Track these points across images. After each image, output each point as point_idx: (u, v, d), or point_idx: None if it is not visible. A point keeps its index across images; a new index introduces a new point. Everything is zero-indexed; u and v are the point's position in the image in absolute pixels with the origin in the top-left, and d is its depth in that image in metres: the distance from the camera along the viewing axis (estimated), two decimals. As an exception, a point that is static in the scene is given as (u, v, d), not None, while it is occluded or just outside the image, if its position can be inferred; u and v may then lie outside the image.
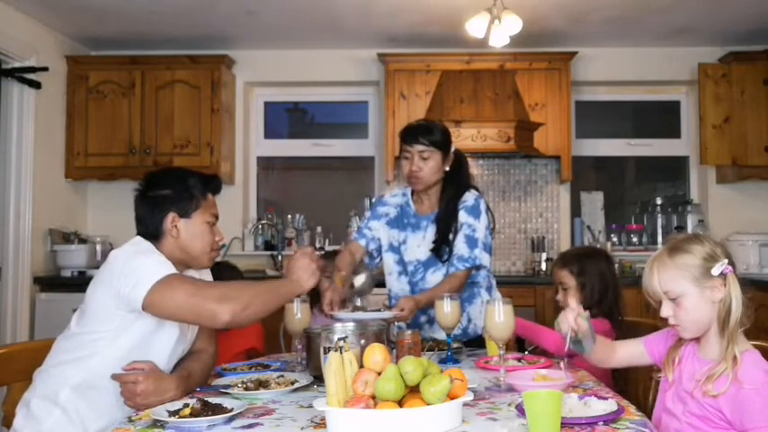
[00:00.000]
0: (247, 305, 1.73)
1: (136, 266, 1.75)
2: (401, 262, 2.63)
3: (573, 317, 1.72)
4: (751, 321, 1.61)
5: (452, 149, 2.60)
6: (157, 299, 1.71)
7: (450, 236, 2.52)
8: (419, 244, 2.59)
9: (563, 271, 2.48)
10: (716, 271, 1.59)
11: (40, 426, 1.76)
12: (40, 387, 1.82)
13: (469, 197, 2.56)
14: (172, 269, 1.78)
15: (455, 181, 2.59)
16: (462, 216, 2.53)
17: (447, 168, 2.57)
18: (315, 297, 2.70)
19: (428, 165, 2.53)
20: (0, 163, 4.15)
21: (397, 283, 2.65)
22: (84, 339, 1.79)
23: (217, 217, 2.00)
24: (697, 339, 1.67)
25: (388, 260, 2.66)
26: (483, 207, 2.56)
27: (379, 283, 2.72)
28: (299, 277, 1.89)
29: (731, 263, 1.61)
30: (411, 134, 2.57)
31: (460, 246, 2.50)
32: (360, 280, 2.42)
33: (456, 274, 2.49)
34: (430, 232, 2.58)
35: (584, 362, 1.93)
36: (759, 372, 1.54)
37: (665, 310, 1.64)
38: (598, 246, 4.65)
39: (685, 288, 1.61)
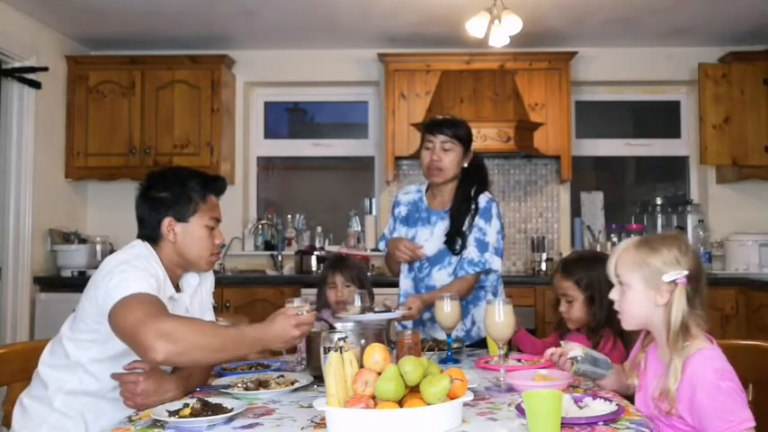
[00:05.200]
0: (187, 351, 1.60)
1: (115, 277, 1.71)
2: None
3: (561, 353, 1.73)
4: (706, 326, 1.62)
5: (473, 149, 2.62)
6: (115, 316, 1.65)
7: (465, 228, 2.53)
8: (427, 239, 2.60)
9: (567, 281, 2.25)
10: (667, 277, 1.59)
11: (39, 427, 1.76)
12: (36, 389, 1.81)
13: (482, 199, 2.58)
14: (145, 287, 1.69)
15: (471, 180, 2.61)
16: (474, 218, 2.54)
17: (465, 165, 2.60)
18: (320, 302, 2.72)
19: (449, 157, 2.55)
20: (0, 163, 4.15)
21: (405, 281, 2.67)
22: (75, 345, 1.78)
23: (218, 220, 1.95)
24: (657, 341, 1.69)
25: None
26: (495, 211, 2.57)
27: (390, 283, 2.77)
28: (274, 337, 1.70)
29: (695, 276, 1.61)
30: (436, 125, 2.60)
31: (470, 249, 2.51)
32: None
33: (465, 277, 2.49)
34: (439, 228, 2.59)
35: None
36: (708, 371, 1.54)
37: (614, 294, 1.69)
38: (598, 247, 4.65)
39: (633, 281, 1.63)
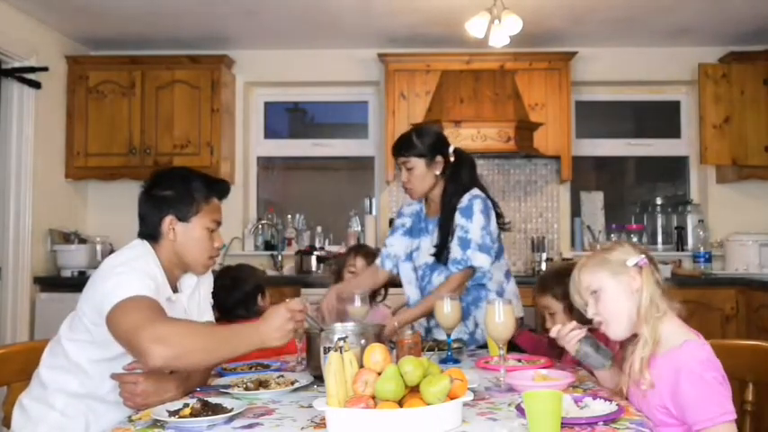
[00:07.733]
0: (183, 355, 1.60)
1: (113, 279, 1.71)
2: (415, 269, 2.67)
3: (573, 327, 1.73)
4: (684, 313, 1.66)
5: (449, 151, 2.60)
6: (112, 319, 1.65)
7: (450, 239, 2.53)
8: (428, 247, 2.61)
9: (545, 297, 2.28)
10: (630, 262, 1.65)
11: (38, 427, 1.76)
12: (36, 390, 1.81)
13: (465, 198, 2.55)
14: (143, 290, 1.69)
15: (454, 182, 2.59)
16: (457, 218, 2.52)
17: (437, 173, 2.57)
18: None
19: (413, 174, 2.57)
20: (0, 163, 4.15)
21: (412, 291, 2.67)
22: (74, 345, 1.78)
23: (219, 223, 1.94)
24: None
25: (407, 269, 2.69)
26: (477, 207, 2.51)
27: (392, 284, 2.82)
28: (269, 332, 1.66)
29: (652, 261, 1.67)
30: (393, 149, 2.64)
31: (454, 248, 2.50)
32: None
33: (451, 277, 2.49)
34: (436, 235, 2.59)
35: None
36: (693, 361, 1.54)
37: (590, 309, 1.69)
38: (598, 247, 4.65)
39: (603, 280, 1.66)
